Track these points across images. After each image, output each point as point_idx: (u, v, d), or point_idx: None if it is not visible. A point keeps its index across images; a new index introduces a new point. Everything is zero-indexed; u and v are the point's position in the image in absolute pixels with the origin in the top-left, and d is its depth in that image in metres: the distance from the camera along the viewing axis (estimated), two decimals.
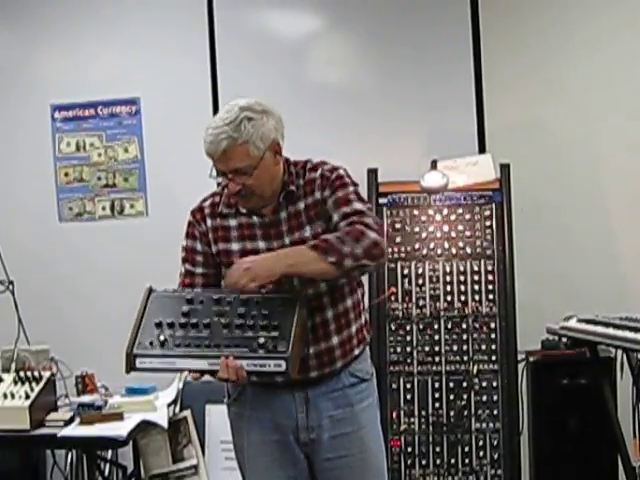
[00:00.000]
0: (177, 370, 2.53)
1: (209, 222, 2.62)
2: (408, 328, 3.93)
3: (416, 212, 4.02)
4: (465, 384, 3.87)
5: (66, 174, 4.60)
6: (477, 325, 3.90)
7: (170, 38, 4.49)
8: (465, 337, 3.90)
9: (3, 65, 4.64)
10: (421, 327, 3.92)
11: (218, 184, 2.65)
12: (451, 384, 3.88)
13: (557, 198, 4.31)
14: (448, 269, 3.95)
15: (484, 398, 3.86)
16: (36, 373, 3.55)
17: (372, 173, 4.05)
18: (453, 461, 3.85)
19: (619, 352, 3.65)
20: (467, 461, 3.84)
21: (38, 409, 3.44)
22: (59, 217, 4.61)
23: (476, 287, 3.92)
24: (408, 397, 3.90)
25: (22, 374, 3.54)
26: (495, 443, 3.84)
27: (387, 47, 4.40)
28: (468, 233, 3.96)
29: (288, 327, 2.38)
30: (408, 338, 3.93)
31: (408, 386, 3.90)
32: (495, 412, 3.85)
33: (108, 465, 4.08)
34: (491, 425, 3.85)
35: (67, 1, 4.59)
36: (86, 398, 3.77)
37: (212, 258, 2.59)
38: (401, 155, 4.29)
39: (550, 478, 3.96)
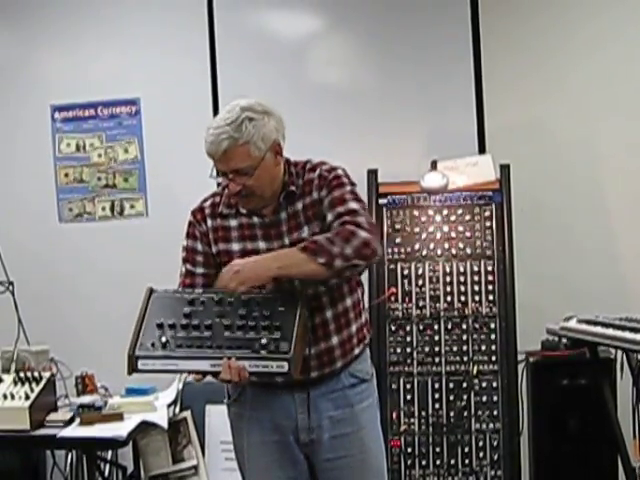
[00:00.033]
0: (179, 372, 2.53)
1: (209, 222, 2.62)
2: (408, 328, 3.93)
3: (416, 213, 4.01)
4: (465, 384, 3.87)
5: (66, 175, 4.60)
6: (477, 325, 3.89)
7: (170, 38, 4.49)
8: (465, 337, 3.89)
9: (3, 66, 4.64)
10: (421, 327, 3.92)
11: (218, 184, 2.65)
12: (451, 384, 3.88)
13: (557, 198, 4.31)
14: (448, 269, 3.95)
15: (484, 399, 3.86)
16: (36, 374, 3.55)
17: (372, 173, 4.05)
18: (453, 462, 3.85)
19: (619, 353, 3.65)
20: (467, 462, 3.84)
21: (38, 409, 3.45)
22: (59, 217, 4.61)
23: (476, 288, 3.92)
24: (408, 397, 3.90)
25: (22, 374, 3.55)
26: (495, 444, 3.84)
27: (387, 47, 4.40)
28: (468, 234, 3.96)
29: (290, 327, 2.38)
30: (408, 339, 3.93)
31: (408, 386, 3.90)
32: (495, 413, 3.85)
33: (108, 465, 4.09)
34: (491, 426, 3.85)
35: (67, 2, 4.59)
36: (86, 398, 3.77)
37: (213, 258, 2.59)
38: (401, 155, 4.29)
39: (550, 479, 3.96)
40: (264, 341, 2.36)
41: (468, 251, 3.95)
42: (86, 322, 4.47)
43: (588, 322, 3.35)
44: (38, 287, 4.45)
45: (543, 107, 4.34)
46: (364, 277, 2.78)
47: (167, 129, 4.48)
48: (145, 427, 3.61)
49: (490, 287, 3.91)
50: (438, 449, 3.86)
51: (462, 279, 3.93)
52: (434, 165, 4.03)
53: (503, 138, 4.30)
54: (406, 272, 3.96)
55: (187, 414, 3.89)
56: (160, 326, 2.44)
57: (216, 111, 4.26)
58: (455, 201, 4.00)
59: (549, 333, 3.62)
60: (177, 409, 3.93)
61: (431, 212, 4.01)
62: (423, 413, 3.88)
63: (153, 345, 2.40)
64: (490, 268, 3.92)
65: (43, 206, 4.59)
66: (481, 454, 3.84)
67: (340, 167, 2.60)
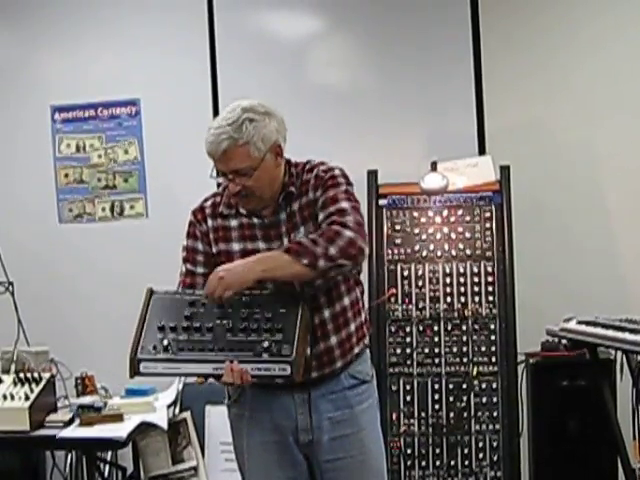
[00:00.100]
0: (182, 375, 2.53)
1: (210, 222, 2.62)
2: (408, 330, 3.93)
3: (416, 214, 4.01)
4: (465, 386, 3.87)
5: (66, 175, 4.60)
6: (477, 327, 3.89)
7: (170, 39, 4.49)
8: (465, 339, 3.89)
9: (3, 66, 4.65)
10: (421, 329, 3.92)
11: (219, 185, 2.65)
12: (451, 386, 3.87)
13: (557, 199, 4.31)
14: (448, 270, 3.95)
15: (484, 400, 3.86)
16: (36, 374, 3.55)
17: (372, 175, 4.05)
18: (453, 463, 3.85)
19: (619, 354, 3.64)
20: (467, 463, 3.84)
21: (38, 410, 3.44)
22: (59, 218, 4.61)
23: (476, 289, 3.92)
24: (408, 399, 3.89)
25: (22, 375, 3.54)
26: (495, 445, 3.84)
27: (387, 48, 4.41)
28: (468, 235, 3.96)
29: (291, 330, 2.38)
30: (408, 340, 3.92)
31: (408, 388, 3.90)
32: (495, 414, 3.85)
33: (108, 466, 4.08)
34: (491, 427, 3.84)
35: (67, 2, 4.59)
36: (86, 399, 3.77)
37: (213, 258, 2.59)
38: (401, 157, 4.29)
39: None
40: (266, 344, 2.37)
41: (468, 252, 3.94)
42: (86, 323, 4.47)
43: (588, 323, 3.35)
44: (38, 288, 4.45)
45: (543, 108, 4.34)
46: (364, 278, 2.77)
47: (167, 130, 4.48)
48: (145, 428, 3.60)
49: (490, 288, 3.91)
50: (438, 450, 3.86)
51: (462, 280, 3.93)
52: (434, 166, 4.03)
53: (503, 139, 4.30)
54: (406, 273, 3.96)
55: (187, 415, 3.89)
56: (161, 329, 2.43)
57: (216, 112, 4.26)
58: (455, 202, 3.99)
59: (549, 334, 3.62)
60: (177, 410, 3.93)
61: (431, 213, 4.01)
62: (423, 414, 3.88)
63: (155, 348, 2.40)
64: (490, 269, 3.92)
65: (43, 207, 4.59)
66: (481, 455, 3.84)
67: (338, 167, 2.60)
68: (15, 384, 3.51)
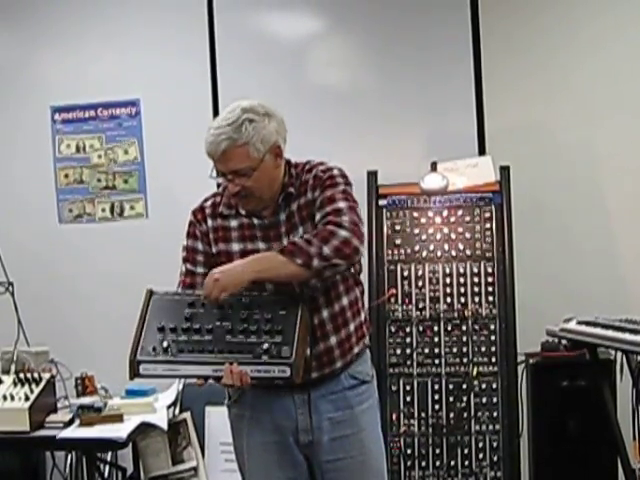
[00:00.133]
0: (181, 377, 2.52)
1: (210, 222, 2.62)
2: (408, 330, 3.93)
3: (416, 214, 4.01)
4: (465, 386, 3.87)
5: (66, 176, 4.60)
6: (477, 327, 3.89)
7: (170, 39, 4.49)
8: (465, 339, 3.89)
9: (3, 67, 4.65)
10: (421, 329, 3.92)
11: (218, 185, 2.65)
12: (451, 386, 3.87)
13: (557, 200, 4.31)
14: (448, 271, 3.95)
15: (484, 400, 3.85)
16: (36, 375, 3.55)
17: (372, 175, 4.04)
18: (453, 463, 3.84)
19: (619, 354, 3.64)
20: (467, 463, 3.84)
21: (38, 411, 3.44)
22: (59, 219, 4.61)
23: (476, 289, 3.91)
24: (408, 399, 3.89)
25: (22, 376, 3.55)
26: (495, 445, 3.83)
27: (387, 49, 4.40)
28: (468, 235, 3.96)
29: (291, 331, 2.38)
30: (408, 340, 3.92)
31: (408, 388, 3.90)
32: (495, 414, 3.85)
33: (108, 467, 4.09)
34: (491, 427, 3.84)
35: (67, 3, 4.59)
36: (86, 400, 3.77)
37: (213, 258, 2.59)
38: (401, 157, 4.29)
39: None
40: (265, 346, 2.37)
41: (468, 252, 3.94)
42: (86, 323, 4.47)
43: (588, 323, 3.35)
44: (38, 288, 4.45)
45: (543, 108, 4.34)
46: (364, 278, 2.77)
47: (167, 130, 4.48)
48: (145, 428, 3.60)
49: (490, 288, 3.91)
50: (438, 450, 3.86)
51: (462, 280, 3.93)
52: (434, 166, 4.03)
53: (503, 139, 4.30)
54: (406, 273, 3.96)
55: (187, 415, 3.88)
56: (161, 330, 2.43)
57: (216, 112, 4.26)
58: (455, 202, 3.99)
59: (549, 334, 3.62)
60: (177, 410, 3.93)
61: (431, 213, 4.01)
62: (423, 414, 3.88)
63: (154, 349, 2.40)
64: (490, 269, 3.92)
65: (43, 207, 4.59)
66: (481, 455, 3.84)
67: (337, 167, 2.60)
68: (15, 384, 3.51)
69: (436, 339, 3.90)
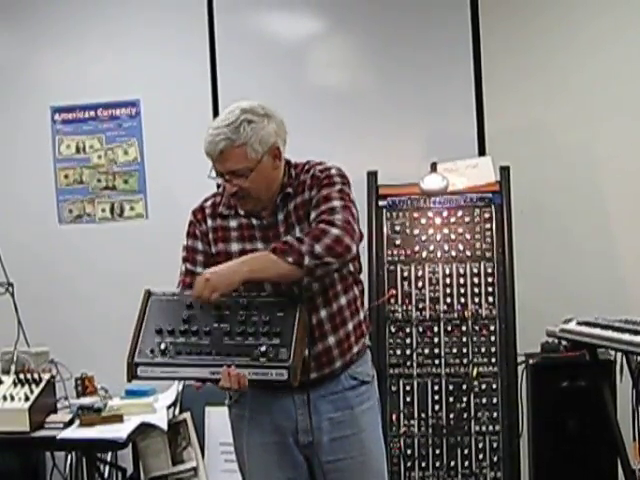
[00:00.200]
0: (179, 379, 2.52)
1: (209, 222, 2.63)
2: (408, 330, 3.93)
3: (416, 214, 4.01)
4: (465, 386, 3.87)
5: (66, 176, 4.60)
6: (477, 327, 3.89)
7: (170, 40, 4.49)
8: (465, 339, 3.89)
9: (4, 67, 4.65)
10: (421, 329, 3.92)
11: (218, 185, 2.65)
12: (451, 386, 3.87)
13: (557, 201, 4.31)
14: (448, 271, 3.95)
15: (484, 400, 3.85)
16: (36, 375, 3.56)
17: (372, 176, 4.05)
18: (453, 464, 3.84)
19: (619, 355, 3.65)
20: (467, 464, 3.84)
21: (38, 411, 3.45)
22: (59, 219, 4.61)
23: (476, 289, 3.91)
24: (408, 399, 3.89)
25: (22, 376, 3.55)
26: (495, 445, 3.84)
27: (387, 49, 4.40)
28: (468, 235, 3.96)
29: (289, 333, 2.38)
30: (408, 340, 3.92)
31: (408, 388, 3.90)
32: (495, 415, 3.85)
33: (107, 467, 4.09)
34: (491, 427, 3.84)
35: (67, 3, 4.59)
36: (86, 400, 3.77)
37: (212, 258, 2.60)
38: (401, 157, 4.29)
39: None
40: (263, 348, 2.36)
41: (468, 253, 3.94)
42: (86, 324, 4.47)
43: (587, 324, 3.35)
44: (38, 289, 4.45)
45: (543, 109, 4.35)
46: (364, 278, 2.77)
47: (167, 131, 4.48)
48: (145, 429, 3.61)
49: (490, 289, 3.91)
50: (438, 451, 3.86)
51: (462, 281, 3.93)
52: (434, 167, 4.03)
53: (503, 140, 4.30)
54: (406, 274, 3.96)
55: (187, 416, 3.88)
56: (159, 332, 2.43)
57: (216, 113, 4.26)
58: (455, 203, 3.99)
59: (549, 335, 3.62)
60: (177, 411, 3.93)
61: (431, 214, 4.01)
62: (423, 415, 3.88)
63: (152, 352, 2.40)
64: (490, 270, 3.92)
65: (43, 207, 4.59)
66: (481, 456, 3.84)
67: (335, 167, 2.60)
68: (15, 385, 3.52)
69: (436, 340, 3.90)
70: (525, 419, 3.99)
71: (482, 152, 4.29)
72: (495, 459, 3.83)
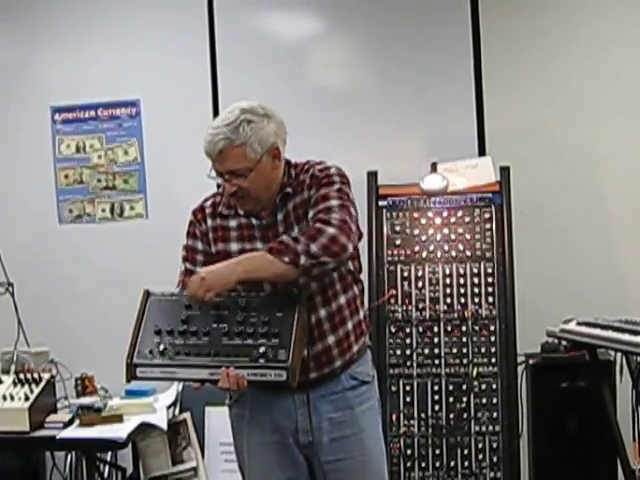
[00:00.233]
0: (178, 380, 2.51)
1: (209, 222, 2.63)
2: (408, 331, 3.93)
3: (416, 215, 4.01)
4: (465, 387, 3.87)
5: (66, 176, 4.60)
6: (477, 328, 3.89)
7: (170, 40, 4.49)
8: (465, 340, 3.89)
9: (4, 67, 4.65)
10: (421, 330, 3.92)
11: (218, 185, 2.65)
12: (451, 387, 3.87)
13: (557, 201, 4.31)
14: (448, 271, 3.95)
15: (484, 401, 3.85)
16: (36, 375, 3.55)
17: (372, 176, 4.05)
18: (453, 464, 3.84)
19: (618, 355, 3.64)
20: (467, 464, 3.83)
21: (38, 411, 3.45)
22: (59, 219, 4.61)
23: (476, 290, 3.91)
24: (407, 400, 3.89)
25: (22, 376, 3.55)
26: (495, 446, 3.83)
27: (387, 49, 4.40)
28: (468, 236, 3.96)
29: (288, 334, 2.37)
30: (408, 341, 3.92)
31: (407, 389, 3.90)
32: (495, 415, 3.85)
33: (107, 467, 4.09)
34: (491, 428, 3.84)
35: (67, 3, 4.59)
36: (86, 400, 3.77)
37: (212, 258, 2.59)
38: (401, 158, 4.29)
39: None
40: (262, 349, 2.36)
41: (468, 253, 3.94)
42: (86, 324, 4.47)
43: (587, 324, 3.35)
44: (38, 288, 4.45)
45: (543, 109, 4.35)
46: (364, 279, 2.77)
47: (167, 131, 4.48)
48: (145, 429, 3.61)
49: (490, 289, 3.91)
50: (438, 451, 3.86)
51: (462, 281, 3.93)
52: (434, 167, 4.03)
53: (503, 140, 4.30)
54: (406, 274, 3.96)
55: (187, 415, 3.88)
56: (158, 332, 2.43)
57: (216, 113, 4.26)
58: (455, 203, 3.99)
59: (549, 335, 3.62)
60: (177, 411, 3.93)
61: (431, 214, 4.01)
62: (423, 415, 3.88)
63: (151, 352, 2.40)
64: (490, 270, 3.92)
65: (43, 207, 4.59)
66: (480, 456, 3.84)
67: (334, 166, 2.60)
68: (15, 385, 3.51)
69: (436, 340, 3.90)
70: (525, 419, 3.99)
71: (482, 152, 4.29)
72: (495, 459, 3.83)
